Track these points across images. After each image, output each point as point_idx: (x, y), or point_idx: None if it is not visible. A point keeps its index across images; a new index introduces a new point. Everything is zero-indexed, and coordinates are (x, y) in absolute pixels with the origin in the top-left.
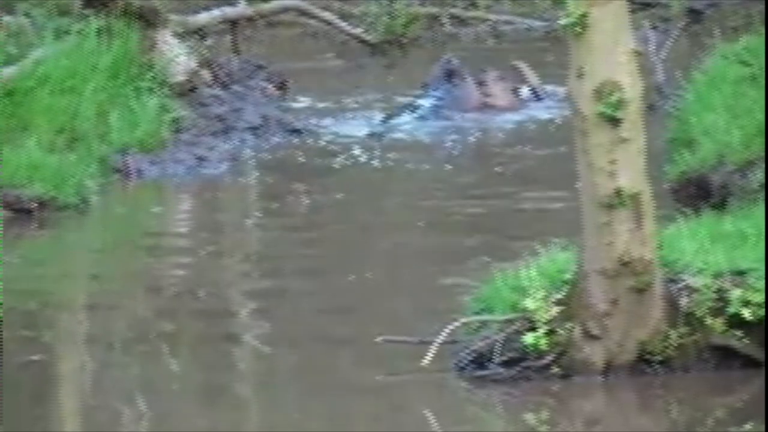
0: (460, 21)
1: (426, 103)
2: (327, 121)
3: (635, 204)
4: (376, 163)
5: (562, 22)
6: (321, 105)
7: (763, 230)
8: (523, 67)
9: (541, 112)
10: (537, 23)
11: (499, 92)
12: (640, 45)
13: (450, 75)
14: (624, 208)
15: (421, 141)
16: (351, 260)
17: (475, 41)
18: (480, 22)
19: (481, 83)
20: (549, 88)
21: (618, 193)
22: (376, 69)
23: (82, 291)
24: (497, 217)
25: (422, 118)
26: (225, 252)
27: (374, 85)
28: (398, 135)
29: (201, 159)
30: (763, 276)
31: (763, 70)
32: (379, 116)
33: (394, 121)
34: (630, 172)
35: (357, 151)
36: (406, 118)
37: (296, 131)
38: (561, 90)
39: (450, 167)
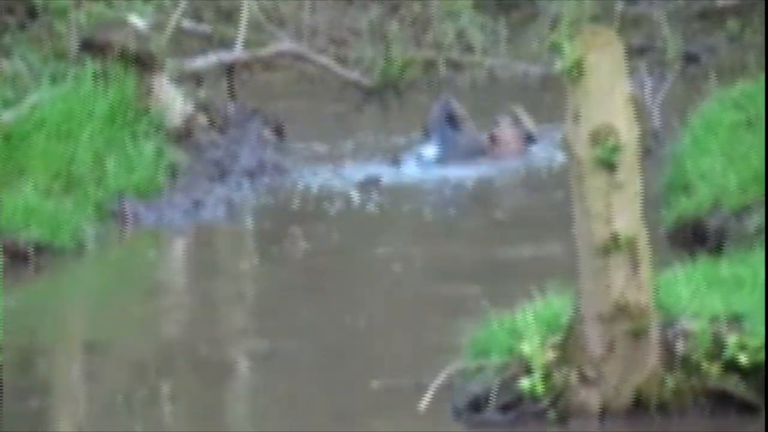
0: (456, 66)
1: (426, 147)
2: (323, 165)
3: (631, 248)
4: (373, 207)
5: (559, 66)
6: (317, 149)
7: (759, 275)
8: (520, 111)
9: (539, 156)
10: (533, 68)
11: (503, 138)
12: (637, 90)
13: (450, 118)
14: (620, 252)
15: (419, 186)
16: (348, 304)
17: (471, 86)
18: (476, 66)
19: (489, 130)
20: (545, 132)
21: (614, 237)
22: (373, 113)
23: (78, 337)
24: (495, 262)
25: (422, 163)
26: (222, 297)
27: (371, 129)
28: (397, 180)
29: (197, 203)
30: (760, 321)
31: (759, 115)
32: (376, 160)
33: (393, 166)
34: (626, 217)
35: (354, 196)
36: (405, 163)
37: (293, 175)
38: (557, 134)
39: (449, 212)
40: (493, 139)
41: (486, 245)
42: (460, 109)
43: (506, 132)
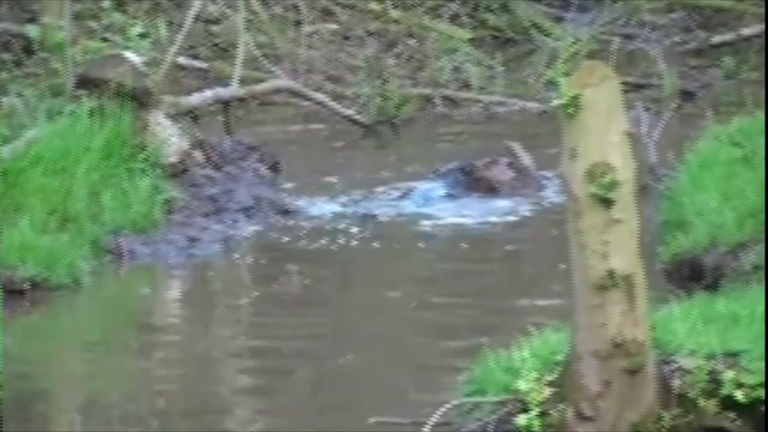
0: (452, 102)
1: (430, 186)
2: (320, 202)
3: (628, 285)
4: (370, 245)
5: (555, 103)
6: (314, 185)
7: (756, 312)
8: (517, 148)
9: (537, 193)
10: (530, 104)
11: (505, 177)
12: (633, 126)
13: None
14: (617, 289)
15: (418, 224)
16: (345, 341)
17: (468, 121)
18: (473, 103)
19: (489, 168)
20: (542, 169)
21: (611, 274)
22: (369, 150)
23: (73, 375)
24: (494, 298)
25: (427, 201)
26: (218, 335)
27: (367, 165)
28: (395, 217)
29: (193, 240)
30: (756, 357)
31: (756, 151)
32: (375, 197)
33: (394, 203)
34: (623, 254)
35: (351, 233)
36: (408, 200)
37: (289, 212)
38: (553, 172)
39: (448, 251)
40: (482, 177)
41: (485, 288)
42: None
43: (500, 173)
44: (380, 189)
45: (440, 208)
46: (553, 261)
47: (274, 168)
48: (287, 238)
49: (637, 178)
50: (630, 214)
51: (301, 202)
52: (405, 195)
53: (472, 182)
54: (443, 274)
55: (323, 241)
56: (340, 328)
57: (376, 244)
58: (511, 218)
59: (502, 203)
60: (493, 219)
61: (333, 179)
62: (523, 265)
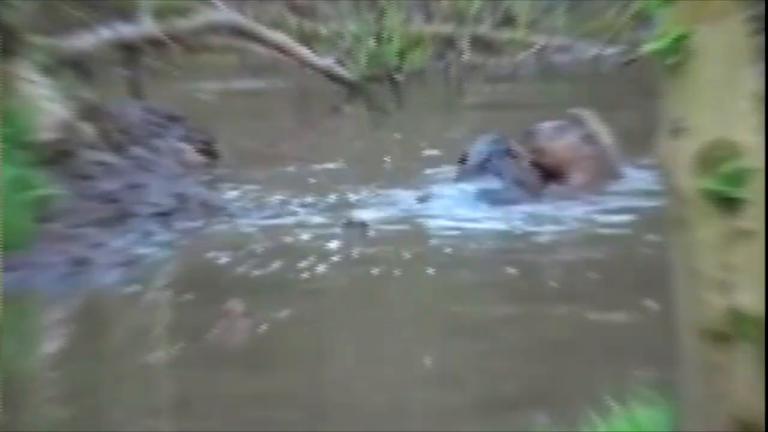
0: (486, 47)
1: (451, 176)
2: (278, 203)
3: (762, 335)
4: (356, 270)
5: (649, 47)
6: (269, 177)
7: None
8: (588, 117)
9: (619, 191)
10: (608, 51)
11: (576, 160)
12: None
13: (500, 155)
14: (745, 340)
15: (432, 238)
16: (310, 417)
17: (510, 77)
18: (518, 48)
19: (551, 144)
20: (626, 153)
21: (735, 316)
22: (356, 121)
23: None
24: (550, 356)
25: (439, 200)
26: (111, 419)
27: (352, 145)
28: (396, 227)
29: (80, 263)
30: None
31: None
32: (360, 195)
33: (392, 204)
34: (754, 285)
35: (326, 251)
36: (412, 198)
37: (230, 218)
38: (645, 157)
39: (470, 276)
40: (536, 152)
41: (536, 340)
42: (518, 148)
43: (564, 146)
44: (373, 183)
45: (467, 211)
46: (642, 296)
47: (208, 150)
48: (227, 259)
49: None
50: (766, 221)
51: (249, 203)
52: (412, 190)
53: (522, 171)
54: (471, 318)
55: (283, 264)
56: (310, 402)
57: (364, 270)
58: (578, 229)
59: (568, 206)
60: (551, 230)
61: (299, 167)
62: (595, 302)
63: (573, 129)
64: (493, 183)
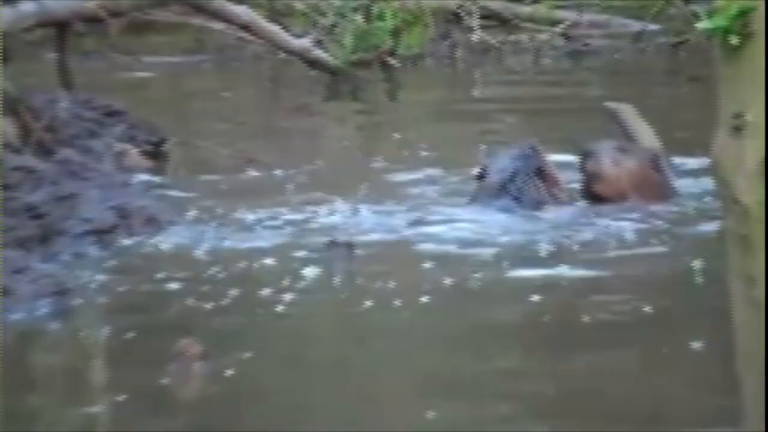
0: (502, 23)
1: (461, 190)
2: (241, 219)
3: None
4: (335, 302)
5: (704, 25)
6: (231, 187)
7: None
8: (627, 113)
9: (668, 206)
10: (651, 27)
11: (612, 178)
12: None
13: (530, 172)
14: None
15: (426, 268)
16: None
17: (534, 62)
18: (540, 25)
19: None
20: (676, 156)
21: None
22: (338, 118)
23: None
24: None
25: (448, 221)
26: None
27: (333, 150)
28: (387, 252)
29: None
30: None
31: None
32: (344, 206)
33: (387, 220)
34: None
35: (299, 278)
36: (412, 216)
37: (182, 236)
38: (693, 161)
39: (470, 321)
40: (594, 178)
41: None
42: (549, 164)
43: (628, 173)
44: (358, 194)
45: (485, 237)
46: (696, 337)
47: (155, 152)
48: (179, 287)
49: None
50: None
51: (206, 218)
52: (407, 206)
53: (553, 197)
54: (473, 372)
55: (247, 293)
56: None
57: (349, 303)
58: (622, 258)
59: (604, 227)
60: (588, 263)
61: (266, 174)
62: (650, 349)
63: (636, 151)
64: (511, 208)
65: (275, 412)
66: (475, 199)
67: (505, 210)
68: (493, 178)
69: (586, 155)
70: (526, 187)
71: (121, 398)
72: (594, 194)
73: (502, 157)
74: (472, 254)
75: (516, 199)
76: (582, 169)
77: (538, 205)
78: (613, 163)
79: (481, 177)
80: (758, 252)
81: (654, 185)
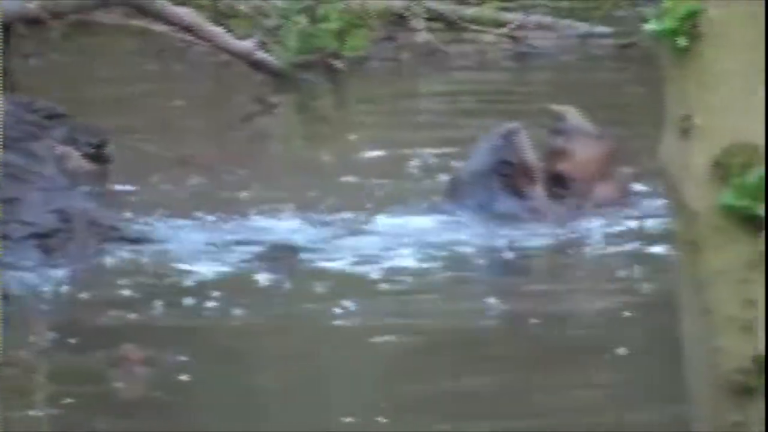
0: (450, 26)
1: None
2: (185, 224)
3: None
4: (280, 311)
5: (651, 27)
6: (175, 191)
7: None
8: (572, 115)
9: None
10: (599, 29)
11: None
12: None
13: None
14: None
15: (380, 278)
16: None
17: (480, 65)
18: (488, 28)
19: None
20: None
21: (760, 363)
22: (283, 120)
23: None
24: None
25: (405, 228)
26: None
27: (279, 153)
28: (335, 260)
29: None
30: None
31: None
32: (287, 214)
33: (340, 233)
34: None
35: (244, 285)
36: (367, 226)
37: (125, 242)
38: (647, 167)
39: (433, 335)
40: (563, 156)
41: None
42: (529, 148)
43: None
44: (305, 200)
45: (442, 247)
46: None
47: (98, 155)
48: (121, 294)
49: None
50: None
51: (149, 223)
52: (357, 210)
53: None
54: (426, 392)
55: (191, 302)
56: None
57: (292, 312)
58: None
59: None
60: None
61: (211, 178)
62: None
63: (603, 138)
64: (468, 211)
65: (218, 414)
66: (437, 200)
67: (458, 213)
68: (467, 173)
69: (557, 130)
70: (482, 189)
71: (65, 402)
72: (557, 173)
73: (475, 153)
74: (401, 259)
75: (467, 201)
76: (552, 142)
77: (493, 206)
78: (584, 146)
79: (454, 178)
80: (706, 257)
81: (616, 179)
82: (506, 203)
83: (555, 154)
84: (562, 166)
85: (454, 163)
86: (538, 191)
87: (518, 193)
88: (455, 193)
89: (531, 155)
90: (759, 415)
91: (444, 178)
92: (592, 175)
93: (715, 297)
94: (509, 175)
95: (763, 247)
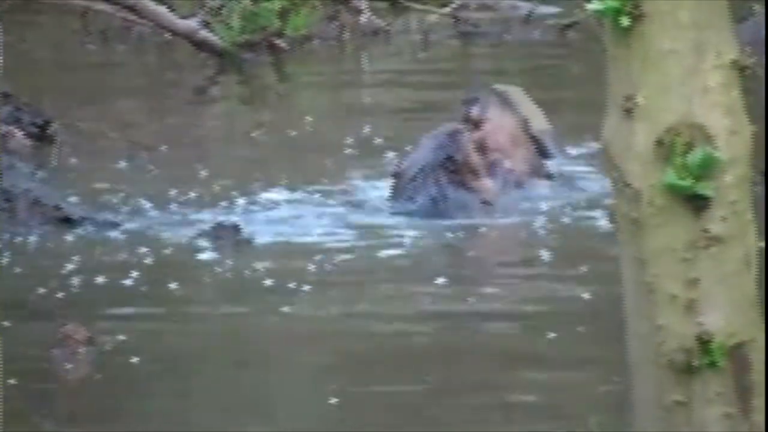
0: (390, 6)
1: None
2: (128, 203)
3: (737, 364)
4: (224, 288)
5: (593, 6)
6: (118, 170)
7: None
8: (515, 95)
9: (551, 193)
10: (542, 9)
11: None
12: (748, 51)
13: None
14: (715, 372)
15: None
16: None
17: (419, 46)
18: (432, 5)
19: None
20: (566, 142)
21: (703, 342)
22: (225, 101)
23: None
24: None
25: (359, 209)
26: None
27: (221, 133)
28: (289, 236)
29: None
30: None
31: None
32: (229, 193)
33: (294, 212)
34: (726, 304)
35: (186, 263)
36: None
37: (68, 222)
38: (591, 145)
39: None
40: (476, 126)
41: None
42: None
43: (508, 129)
44: (254, 174)
45: (397, 227)
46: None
47: (41, 135)
48: (62, 272)
49: (755, 153)
50: (741, 225)
51: (92, 202)
52: (299, 191)
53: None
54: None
55: (134, 279)
56: None
57: (235, 289)
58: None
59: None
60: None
61: (154, 158)
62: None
63: (513, 110)
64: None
65: (164, 393)
66: (391, 198)
67: (408, 204)
68: (405, 174)
69: (469, 101)
70: (425, 187)
71: (11, 382)
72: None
73: (419, 149)
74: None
75: (411, 199)
76: (465, 113)
77: (437, 204)
78: (499, 115)
79: (396, 175)
80: (648, 236)
81: (529, 152)
82: (456, 196)
83: (471, 123)
84: (477, 135)
85: (395, 157)
86: (485, 184)
87: (466, 187)
88: (402, 187)
89: (474, 154)
90: (701, 394)
91: (388, 158)
92: (506, 148)
93: (657, 276)
94: (455, 171)
95: (706, 227)
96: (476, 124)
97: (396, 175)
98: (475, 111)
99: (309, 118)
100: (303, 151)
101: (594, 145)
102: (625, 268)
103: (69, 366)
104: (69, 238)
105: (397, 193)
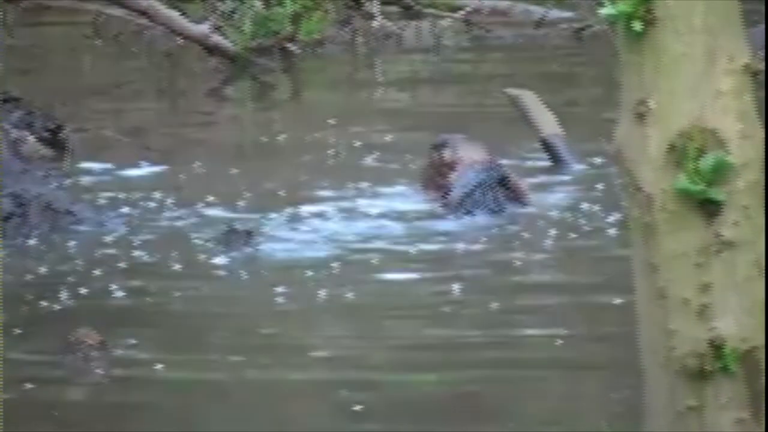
0: (405, 10)
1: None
2: (142, 209)
3: (750, 369)
4: (238, 294)
5: (606, 11)
6: (131, 176)
7: None
8: (529, 99)
9: (562, 195)
10: (553, 14)
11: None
12: (760, 56)
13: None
14: (727, 376)
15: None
16: None
17: (431, 50)
18: (442, 11)
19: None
20: (579, 149)
21: (716, 347)
22: (238, 106)
23: None
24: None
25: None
26: None
27: (234, 139)
28: (303, 243)
29: None
30: None
31: None
32: (255, 204)
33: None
34: (738, 308)
35: (200, 268)
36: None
37: (80, 226)
38: (601, 151)
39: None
40: (450, 168)
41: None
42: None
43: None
44: (266, 178)
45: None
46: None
47: (53, 140)
48: (75, 278)
49: None
50: (754, 231)
51: (105, 208)
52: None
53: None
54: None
55: (146, 285)
56: None
57: (251, 295)
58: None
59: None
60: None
61: (168, 163)
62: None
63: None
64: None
65: (176, 397)
66: (435, 211)
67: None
68: (457, 192)
69: (439, 145)
70: (484, 200)
71: (24, 388)
72: (441, 184)
73: (467, 172)
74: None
75: (469, 212)
76: (436, 157)
77: (495, 214)
78: (470, 152)
79: (445, 195)
80: (661, 241)
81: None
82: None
83: (445, 166)
84: (452, 178)
85: (411, 150)
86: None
87: (520, 202)
88: (456, 202)
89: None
90: (714, 399)
91: (401, 162)
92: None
93: (669, 281)
94: (507, 187)
95: (721, 233)
96: (450, 167)
97: (444, 197)
98: (447, 153)
99: (318, 122)
100: (320, 155)
101: (606, 150)
102: (637, 273)
103: (82, 370)
104: (80, 242)
105: (449, 208)
